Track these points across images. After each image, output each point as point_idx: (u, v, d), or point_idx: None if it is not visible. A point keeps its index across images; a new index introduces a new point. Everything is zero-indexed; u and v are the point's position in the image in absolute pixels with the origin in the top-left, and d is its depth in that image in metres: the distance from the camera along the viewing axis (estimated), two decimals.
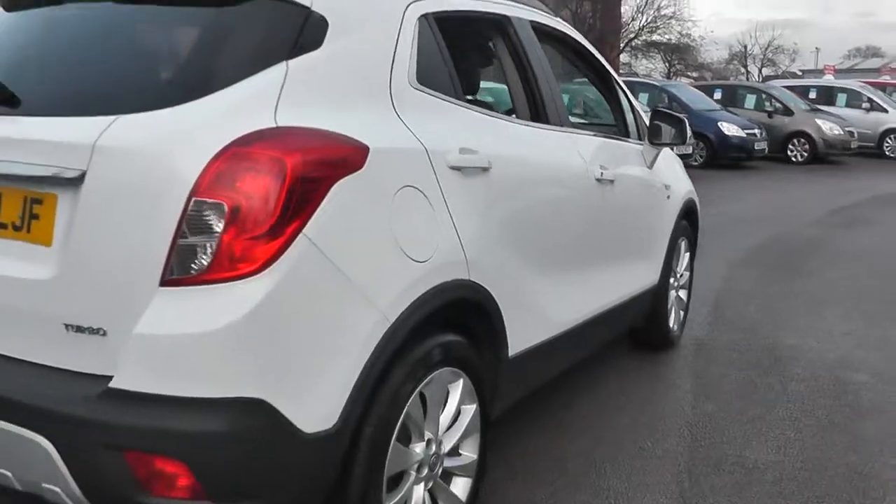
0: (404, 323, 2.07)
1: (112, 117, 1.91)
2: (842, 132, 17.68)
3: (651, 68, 33.15)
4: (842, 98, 20.22)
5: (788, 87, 20.45)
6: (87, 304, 1.90)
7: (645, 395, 3.99)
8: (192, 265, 1.80)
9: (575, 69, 4.11)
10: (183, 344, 1.79)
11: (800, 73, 46.65)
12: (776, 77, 41.75)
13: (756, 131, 16.37)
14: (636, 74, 25.37)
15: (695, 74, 37.22)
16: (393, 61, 2.29)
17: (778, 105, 18.14)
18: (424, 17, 2.49)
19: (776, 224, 9.37)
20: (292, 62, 2.02)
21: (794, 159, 17.64)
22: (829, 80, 24.79)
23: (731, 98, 18.71)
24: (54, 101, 2.14)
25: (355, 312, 1.97)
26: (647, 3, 29.38)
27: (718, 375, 4.29)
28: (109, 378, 1.85)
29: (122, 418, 1.80)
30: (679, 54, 33.17)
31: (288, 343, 1.86)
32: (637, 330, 4.48)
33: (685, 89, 18.18)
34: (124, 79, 2.17)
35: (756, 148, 16.24)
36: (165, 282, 1.81)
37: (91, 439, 1.83)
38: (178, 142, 1.85)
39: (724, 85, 21.07)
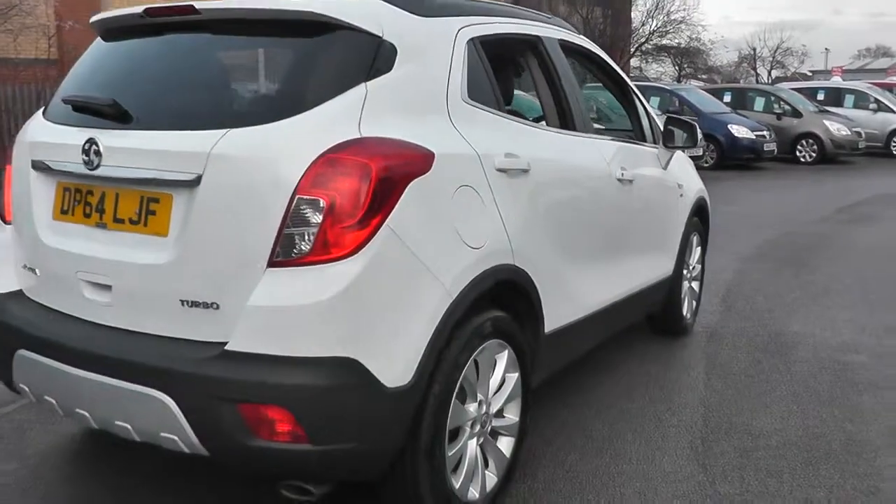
0: (464, 299, 2.49)
1: (223, 131, 2.33)
2: (849, 133, 18.00)
3: (661, 72, 33.52)
4: (849, 99, 20.54)
5: (797, 90, 20.78)
6: (201, 284, 2.32)
7: (662, 376, 4.39)
8: (295, 250, 2.22)
9: (597, 80, 4.51)
10: (289, 313, 2.21)
11: (810, 74, 46.91)
12: (786, 79, 42.03)
13: (765, 133, 16.72)
14: (647, 78, 25.71)
15: (704, 77, 37.55)
16: (448, 81, 2.71)
17: (786, 107, 18.48)
18: (471, 41, 2.92)
19: (785, 222, 9.74)
20: (370, 83, 2.44)
21: (802, 160, 17.98)
22: (836, 81, 25.10)
23: (741, 101, 19.06)
24: (163, 117, 2.57)
25: (426, 289, 2.40)
26: (656, 7, 29.72)
27: (728, 358, 4.69)
28: (223, 343, 2.28)
29: (237, 375, 2.22)
30: (689, 58, 33.50)
31: (373, 313, 2.28)
32: (654, 317, 4.90)
33: (695, 93, 18.54)
34: (229, 99, 2.61)
35: (765, 149, 16.60)
36: (273, 263, 2.24)
37: (209, 393, 2.25)
38: (283, 151, 2.27)
39: (734, 88, 21.43)
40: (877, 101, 20.22)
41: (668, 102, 16.71)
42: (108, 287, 2.50)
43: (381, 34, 2.54)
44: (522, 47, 3.48)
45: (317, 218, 2.22)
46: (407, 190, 2.33)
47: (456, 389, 2.55)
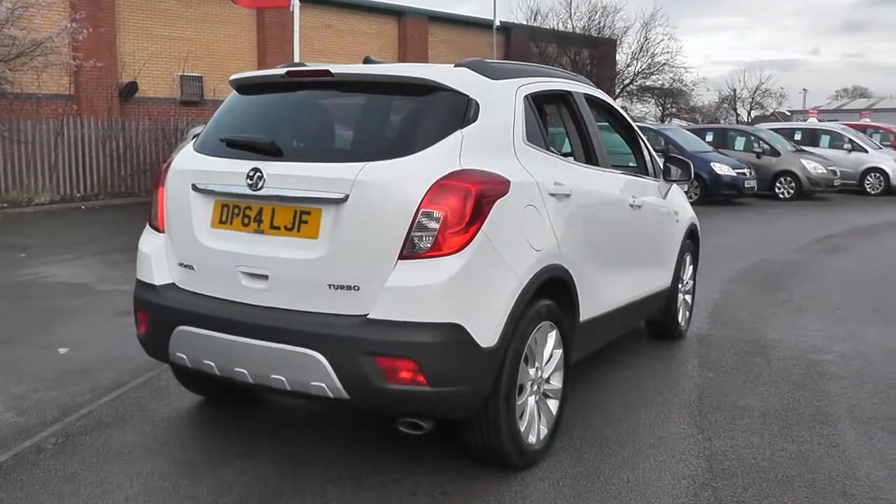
0: (530, 287, 3.43)
1: (363, 163, 3.27)
2: (825, 171, 19.18)
3: (645, 111, 34.82)
4: (825, 139, 21.80)
5: (775, 130, 22.03)
6: (345, 272, 3.23)
7: (664, 368, 5.33)
8: (419, 247, 3.15)
9: (609, 124, 5.48)
10: (415, 291, 3.13)
11: (788, 114, 48.54)
12: (765, 118, 43.56)
13: (746, 171, 17.84)
14: (632, 118, 26.87)
15: (687, 116, 38.96)
16: (514, 128, 3.67)
17: (766, 146, 19.66)
18: (526, 97, 3.88)
19: (764, 251, 10.74)
20: (464, 130, 3.40)
21: (781, 196, 19.11)
22: (812, 122, 26.40)
23: (722, 140, 20.27)
24: (311, 153, 3.52)
25: (506, 278, 3.34)
26: (641, 50, 31.04)
27: (717, 356, 5.63)
28: (364, 315, 3.18)
29: (377, 335, 3.13)
30: (672, 98, 34.88)
31: (472, 292, 3.21)
32: (654, 323, 5.85)
33: (680, 132, 19.67)
34: (362, 140, 3.57)
35: (746, 186, 17.71)
36: (402, 256, 3.16)
37: (355, 350, 3.14)
38: (410, 178, 3.21)
39: (716, 128, 22.64)
40: (851, 141, 21.46)
41: (654, 141, 17.77)
42: (264, 277, 3.39)
43: (468, 94, 3.50)
44: (559, 100, 4.45)
45: (434, 225, 3.15)
46: (494, 206, 3.27)
47: (523, 354, 3.47)
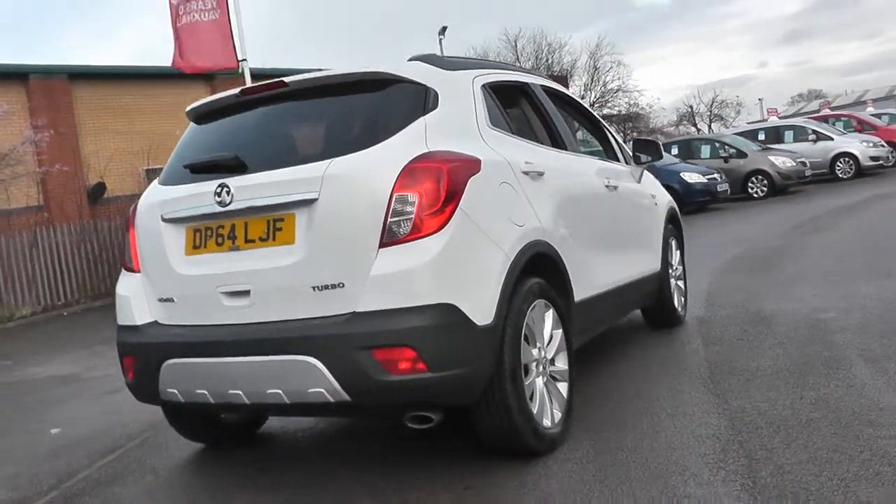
0: (518, 262, 3.36)
1: (328, 160, 3.21)
2: (795, 164, 19.33)
3: None
4: (789, 135, 22.04)
5: (738, 133, 22.28)
6: (327, 271, 3.14)
7: (669, 351, 5.24)
8: (398, 232, 3.07)
9: (571, 115, 5.47)
10: (400, 276, 3.05)
11: (748, 126, 49.24)
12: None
13: (716, 175, 17.93)
14: None
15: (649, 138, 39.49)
16: (476, 113, 3.64)
17: (732, 150, 19.85)
18: (483, 86, 3.87)
19: (747, 242, 10.74)
20: (427, 117, 3.36)
21: (755, 195, 19.21)
22: (774, 121, 26.78)
23: (688, 151, 20.44)
24: (276, 160, 3.44)
25: (492, 253, 3.26)
26: (592, 80, 31.61)
27: (720, 332, 5.54)
28: (348, 312, 3.08)
29: (368, 328, 3.03)
30: (631, 122, 35.41)
31: (459, 271, 3.12)
32: (652, 311, 5.76)
33: None
34: (326, 139, 3.51)
35: (719, 190, 17.78)
36: (382, 244, 3.08)
37: (348, 346, 3.04)
38: (380, 165, 3.15)
39: (680, 140, 22.89)
40: (815, 132, 21.73)
41: None
42: (246, 293, 3.30)
43: (426, 83, 3.48)
44: (517, 91, 4.44)
45: (409, 209, 3.08)
46: (468, 184, 3.22)
47: (523, 332, 3.37)
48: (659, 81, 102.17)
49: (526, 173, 3.70)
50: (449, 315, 3.06)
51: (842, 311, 5.59)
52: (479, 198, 3.26)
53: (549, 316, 3.67)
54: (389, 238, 3.08)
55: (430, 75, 3.57)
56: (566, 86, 31.49)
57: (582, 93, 31.71)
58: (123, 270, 3.82)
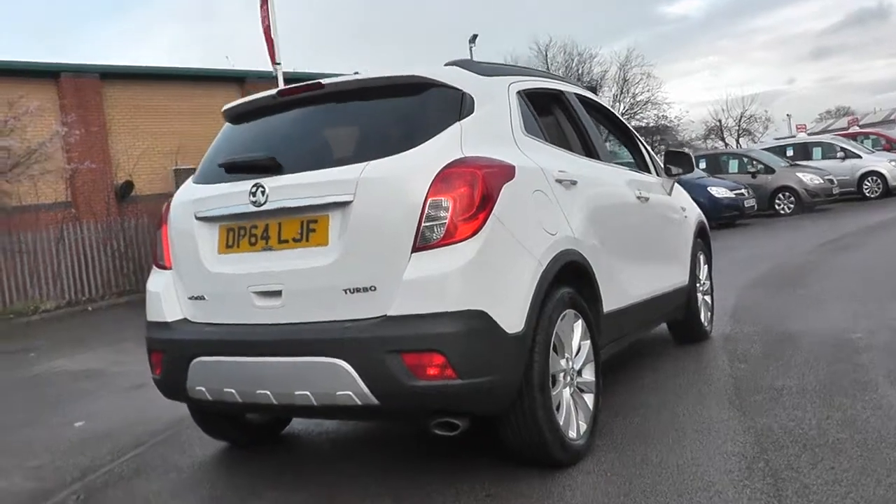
0: (550, 269, 3.35)
1: (364, 163, 3.22)
2: (822, 181, 19.16)
3: None
4: (817, 151, 21.82)
5: (766, 149, 22.11)
6: (360, 274, 3.15)
7: (694, 365, 5.20)
8: (432, 237, 3.08)
9: (605, 126, 5.46)
10: (433, 281, 3.05)
11: (776, 141, 48.88)
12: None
13: (744, 191, 17.83)
14: None
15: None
16: (511, 119, 3.64)
17: (760, 165, 19.71)
18: (519, 92, 3.87)
19: (774, 258, 10.63)
20: (462, 122, 3.37)
21: (782, 212, 19.06)
22: (802, 137, 26.54)
23: (716, 165, 20.34)
24: (312, 162, 3.46)
25: (525, 260, 3.26)
26: (622, 92, 31.52)
27: (746, 349, 5.49)
28: (380, 316, 3.08)
29: (399, 332, 3.03)
30: (659, 135, 35.23)
31: (491, 277, 3.12)
32: (678, 325, 5.72)
33: None
34: (362, 142, 3.53)
35: (746, 205, 17.67)
36: (416, 248, 3.08)
37: (378, 350, 3.04)
38: (415, 169, 3.16)
39: (708, 154, 22.76)
40: (843, 149, 21.49)
41: None
42: (277, 293, 3.31)
43: (462, 88, 3.48)
44: (552, 99, 4.44)
45: (443, 213, 3.08)
46: (503, 190, 3.22)
47: (552, 341, 3.36)
48: (687, 94, 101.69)
49: (559, 181, 3.69)
50: (479, 321, 3.05)
51: (868, 332, 5.53)
52: (513, 205, 3.26)
53: (579, 326, 3.66)
54: (423, 243, 3.09)
55: (466, 80, 3.58)
56: (596, 94, 31.52)
57: (611, 104, 31.63)
58: (154, 267, 3.86)
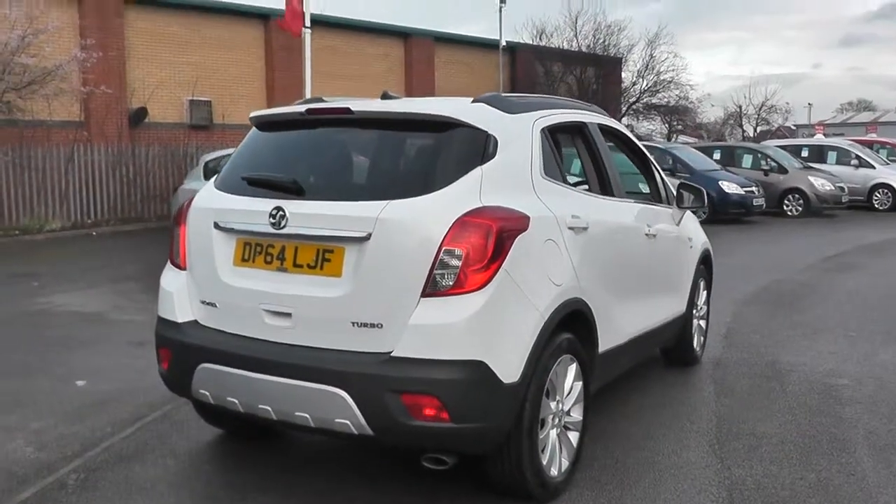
0: (551, 321, 3.46)
1: (385, 202, 3.30)
2: (833, 188, 19.18)
3: (651, 129, 34.85)
4: (832, 156, 21.80)
5: (782, 147, 22.05)
6: (369, 310, 3.26)
7: (680, 395, 5.34)
8: (442, 284, 3.18)
9: (624, 153, 5.50)
10: (438, 328, 3.16)
11: (794, 128, 48.59)
12: (770, 133, 43.62)
13: (754, 189, 17.83)
14: (638, 136, 26.95)
15: (693, 134, 39.07)
16: (531, 162, 3.70)
17: (773, 164, 19.68)
18: (543, 130, 3.92)
19: (775, 271, 10.73)
20: (484, 167, 3.43)
21: (789, 213, 19.10)
22: (819, 139, 26.40)
23: (730, 158, 20.30)
24: (333, 191, 3.54)
25: (528, 313, 3.36)
26: (647, 68, 31.16)
27: (733, 382, 5.63)
28: (388, 352, 3.20)
29: (402, 373, 3.15)
30: (678, 115, 34.92)
31: (494, 329, 3.23)
32: (670, 350, 5.84)
33: (687, 151, 19.71)
34: (383, 177, 3.60)
35: (755, 204, 17.69)
36: (425, 294, 3.18)
37: (380, 387, 3.16)
38: (432, 216, 3.24)
39: (723, 146, 22.68)
40: (858, 157, 21.46)
41: (661, 160, 17.74)
42: (287, 315, 3.42)
43: (487, 129, 3.54)
44: (574, 131, 4.49)
45: (456, 262, 3.17)
46: (515, 242, 3.30)
47: (545, 388, 3.48)
48: (710, 66, 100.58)
49: (571, 228, 3.77)
50: (478, 372, 3.17)
51: (855, 380, 5.65)
52: (523, 256, 3.35)
53: (573, 369, 3.78)
54: (432, 289, 3.19)
55: (493, 120, 3.62)
56: (619, 70, 31.18)
57: (634, 79, 31.33)
58: (169, 265, 3.95)
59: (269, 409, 3.41)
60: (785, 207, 19.19)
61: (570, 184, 4.10)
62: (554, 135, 4.08)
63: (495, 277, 3.21)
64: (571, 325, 3.73)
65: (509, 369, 3.26)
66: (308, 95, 17.11)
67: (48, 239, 15.34)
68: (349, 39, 23.79)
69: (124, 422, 4.67)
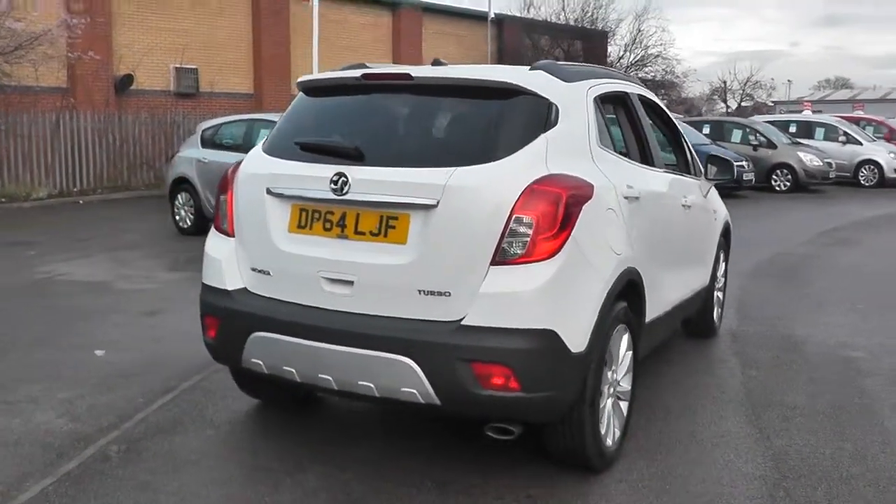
0: (613, 290, 3.45)
1: (452, 168, 3.24)
2: (821, 163, 19.31)
3: None
4: (820, 132, 21.91)
5: (771, 122, 22.13)
6: (436, 278, 3.21)
7: (707, 367, 5.39)
8: (511, 252, 3.14)
9: (657, 123, 5.46)
10: (509, 297, 3.13)
11: (772, 104, 48.85)
12: (754, 109, 43.79)
13: (745, 163, 17.85)
14: None
15: (679, 108, 39.17)
16: (588, 131, 3.67)
17: (762, 139, 19.76)
18: (595, 98, 3.88)
19: (775, 245, 10.79)
20: (548, 134, 3.40)
21: (778, 188, 19.22)
22: (807, 115, 26.52)
23: (719, 132, 20.34)
24: (396, 157, 3.46)
25: (594, 282, 3.35)
26: (634, 42, 31.12)
27: (754, 353, 5.67)
28: (457, 320, 3.15)
29: (473, 342, 3.13)
30: (664, 89, 34.98)
31: (563, 298, 3.21)
32: (690, 321, 5.86)
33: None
34: (448, 144, 3.54)
35: (745, 178, 17.71)
36: (494, 262, 3.15)
37: (450, 356, 3.13)
38: (502, 183, 3.20)
39: (713, 120, 22.75)
40: (846, 133, 21.60)
41: None
42: (349, 282, 3.36)
43: (549, 98, 3.49)
44: (618, 101, 4.45)
45: (526, 230, 3.14)
46: (582, 211, 3.27)
47: (605, 357, 3.48)
48: (693, 41, 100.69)
49: (626, 198, 3.75)
50: (549, 341, 3.15)
51: (869, 352, 5.70)
52: (589, 225, 3.32)
53: (625, 339, 3.77)
54: (502, 257, 3.15)
55: (552, 88, 3.57)
56: (605, 44, 31.10)
57: (621, 53, 31.29)
58: (214, 231, 3.87)
59: (329, 378, 3.37)
60: (773, 182, 19.30)
61: (620, 154, 4.07)
62: (604, 104, 4.04)
63: (565, 246, 3.18)
64: (626, 295, 3.71)
65: (578, 338, 3.25)
66: (315, 66, 16.91)
67: (34, 207, 15.10)
68: (336, 8, 23.46)
69: (155, 392, 4.60)
